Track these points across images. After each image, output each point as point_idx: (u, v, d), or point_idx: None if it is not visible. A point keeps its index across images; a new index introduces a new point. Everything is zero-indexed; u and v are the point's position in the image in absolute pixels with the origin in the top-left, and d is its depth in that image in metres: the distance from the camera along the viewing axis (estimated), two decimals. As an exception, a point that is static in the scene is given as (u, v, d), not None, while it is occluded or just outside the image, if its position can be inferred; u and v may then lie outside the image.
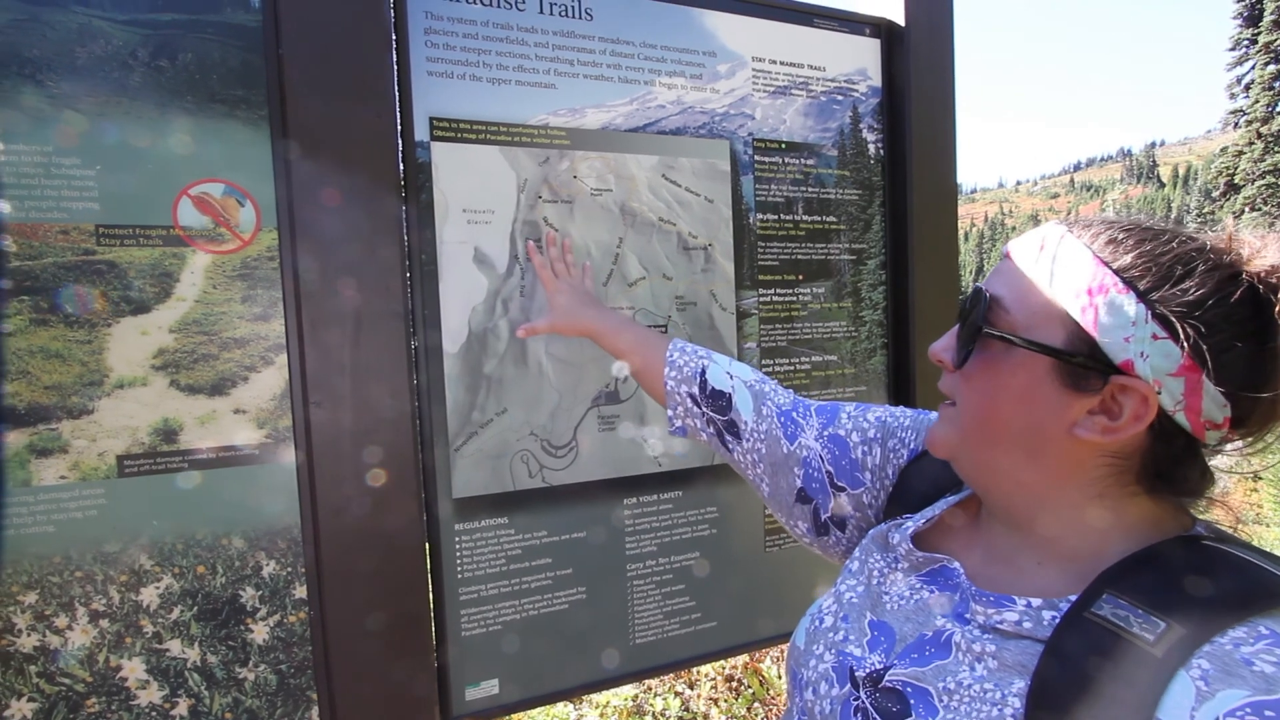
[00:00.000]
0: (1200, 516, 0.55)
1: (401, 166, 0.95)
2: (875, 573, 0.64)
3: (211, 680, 0.87)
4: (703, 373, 0.85)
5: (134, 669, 0.84)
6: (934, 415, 0.75)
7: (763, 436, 0.81)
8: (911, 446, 0.73)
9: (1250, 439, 0.50)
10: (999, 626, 0.50)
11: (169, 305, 0.84)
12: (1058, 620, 0.48)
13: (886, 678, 0.54)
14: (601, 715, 2.04)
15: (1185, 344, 0.46)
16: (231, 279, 0.87)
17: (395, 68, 0.94)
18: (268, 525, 0.89)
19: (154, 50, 0.83)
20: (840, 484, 0.76)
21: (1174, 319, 0.46)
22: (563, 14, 1.04)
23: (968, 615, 0.53)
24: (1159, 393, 0.47)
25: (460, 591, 1.01)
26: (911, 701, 0.52)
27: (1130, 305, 0.47)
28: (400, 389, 0.92)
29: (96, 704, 0.83)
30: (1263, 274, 0.47)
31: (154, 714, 0.85)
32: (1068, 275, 0.50)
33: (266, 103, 0.87)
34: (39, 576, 0.80)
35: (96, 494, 0.82)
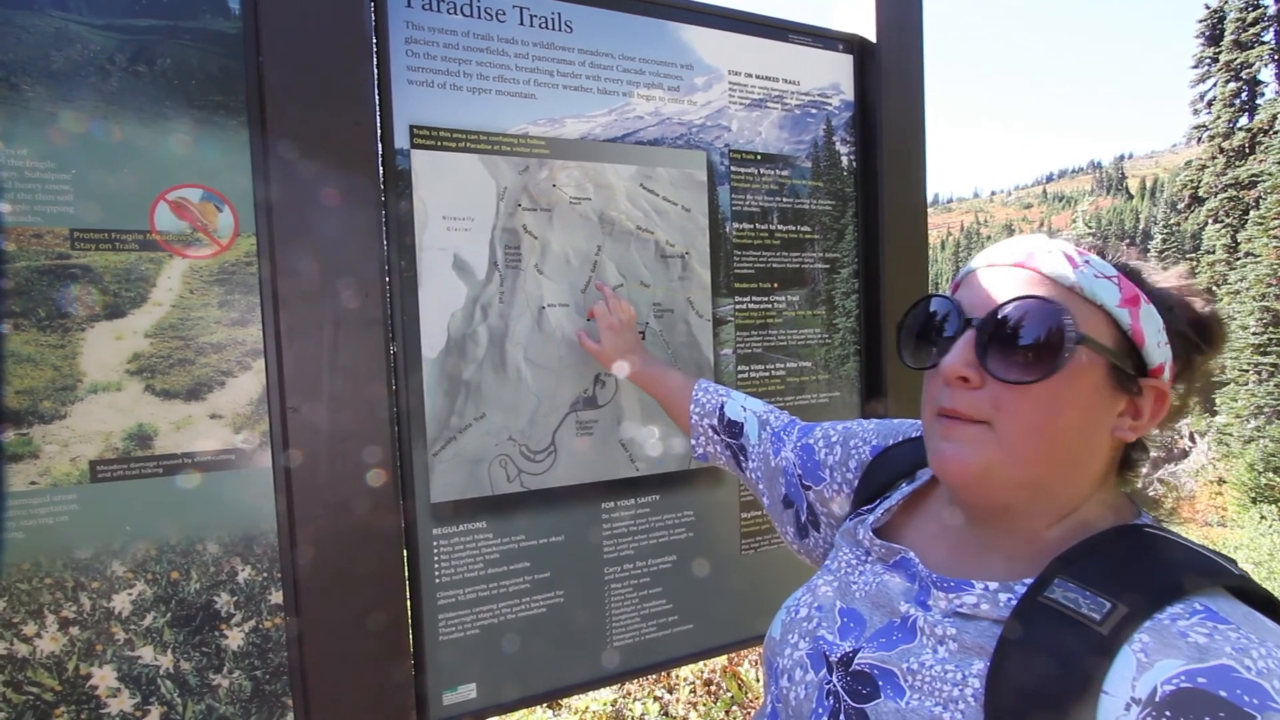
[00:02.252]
0: (1166, 521, 0.60)
1: (381, 173, 0.96)
2: (845, 565, 0.67)
3: (184, 687, 0.87)
4: (721, 407, 0.97)
5: (105, 677, 0.84)
6: (899, 423, 0.78)
7: (760, 455, 0.91)
8: (874, 444, 0.77)
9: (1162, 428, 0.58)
10: (959, 610, 0.54)
11: (145, 310, 0.84)
12: (1014, 603, 0.51)
13: (856, 661, 0.57)
14: (580, 720, 2.04)
15: (1174, 351, 0.54)
16: (209, 284, 0.87)
17: (376, 76, 0.95)
18: (244, 530, 0.89)
19: (132, 55, 0.83)
20: (808, 484, 0.82)
21: (1170, 330, 0.54)
22: (543, 26, 1.05)
23: (929, 602, 0.56)
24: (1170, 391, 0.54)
25: (438, 596, 1.02)
26: (880, 683, 0.54)
27: (1156, 315, 0.53)
28: (379, 394, 0.93)
29: (66, 713, 0.82)
30: (1174, 289, 0.55)
31: (125, 722, 0.84)
32: (1107, 286, 0.53)
33: (246, 109, 0.88)
34: (7, 583, 0.79)
35: (68, 499, 0.81)
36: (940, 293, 0.60)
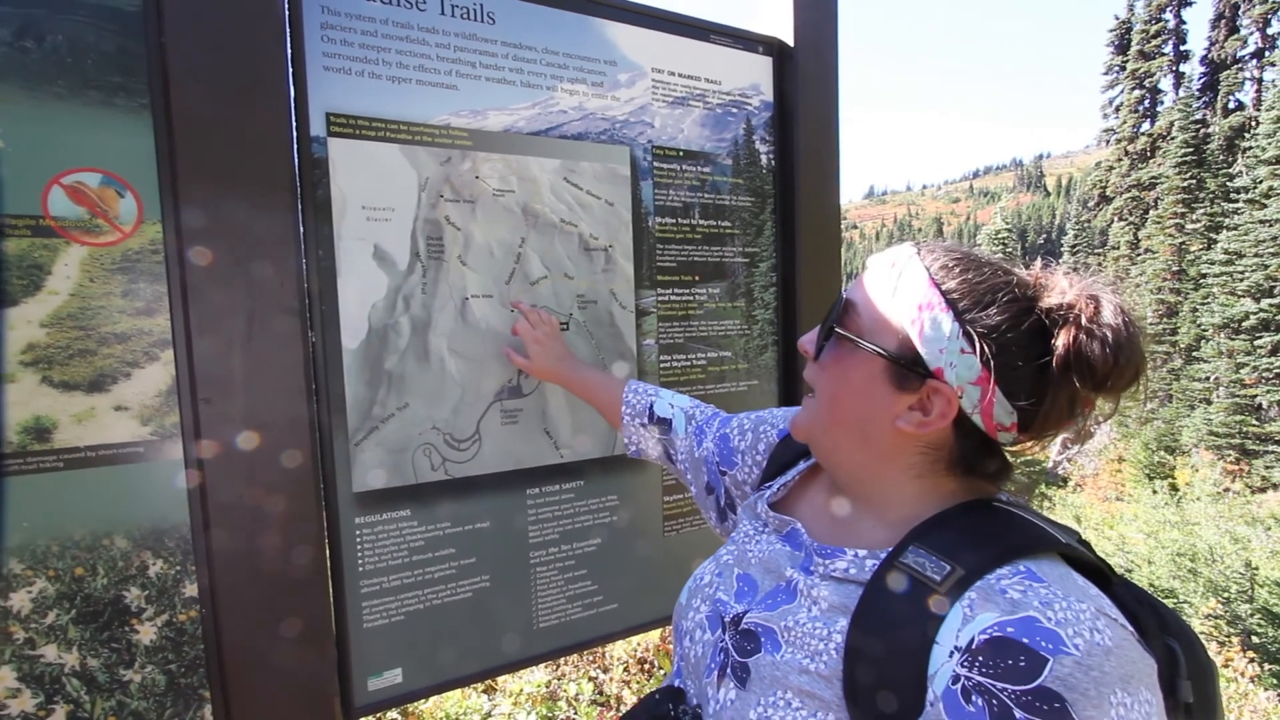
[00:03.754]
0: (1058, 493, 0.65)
1: (297, 161, 0.94)
2: (744, 536, 0.74)
3: (92, 684, 0.85)
4: (650, 407, 1.03)
5: (3, 678, 0.81)
6: None
7: (686, 448, 0.97)
8: (780, 428, 0.85)
9: (1035, 441, 0.60)
10: (832, 574, 0.60)
11: (39, 299, 0.81)
12: (876, 567, 0.58)
13: (744, 621, 0.64)
14: (515, 703, 2.08)
15: (982, 360, 0.55)
16: (111, 272, 0.85)
17: (290, 61, 0.93)
18: (154, 524, 0.88)
19: (17, 30, 0.79)
20: (724, 469, 0.89)
21: (977, 338, 0.56)
22: (464, 16, 1.06)
23: (811, 567, 0.62)
24: (961, 397, 0.57)
25: (362, 584, 1.03)
26: (762, 639, 0.61)
27: (947, 323, 0.57)
28: (295, 384, 0.93)
29: (-41, 716, 0.79)
30: (1050, 309, 0.56)
31: (26, 723, 0.82)
32: (907, 291, 0.59)
33: (149, 91, 0.85)
34: (-111, 585, 0.75)
35: (-43, 496, 0.78)
36: None
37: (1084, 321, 0.55)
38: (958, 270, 0.58)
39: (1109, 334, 0.54)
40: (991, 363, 0.55)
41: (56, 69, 0.81)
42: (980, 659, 0.48)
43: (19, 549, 0.81)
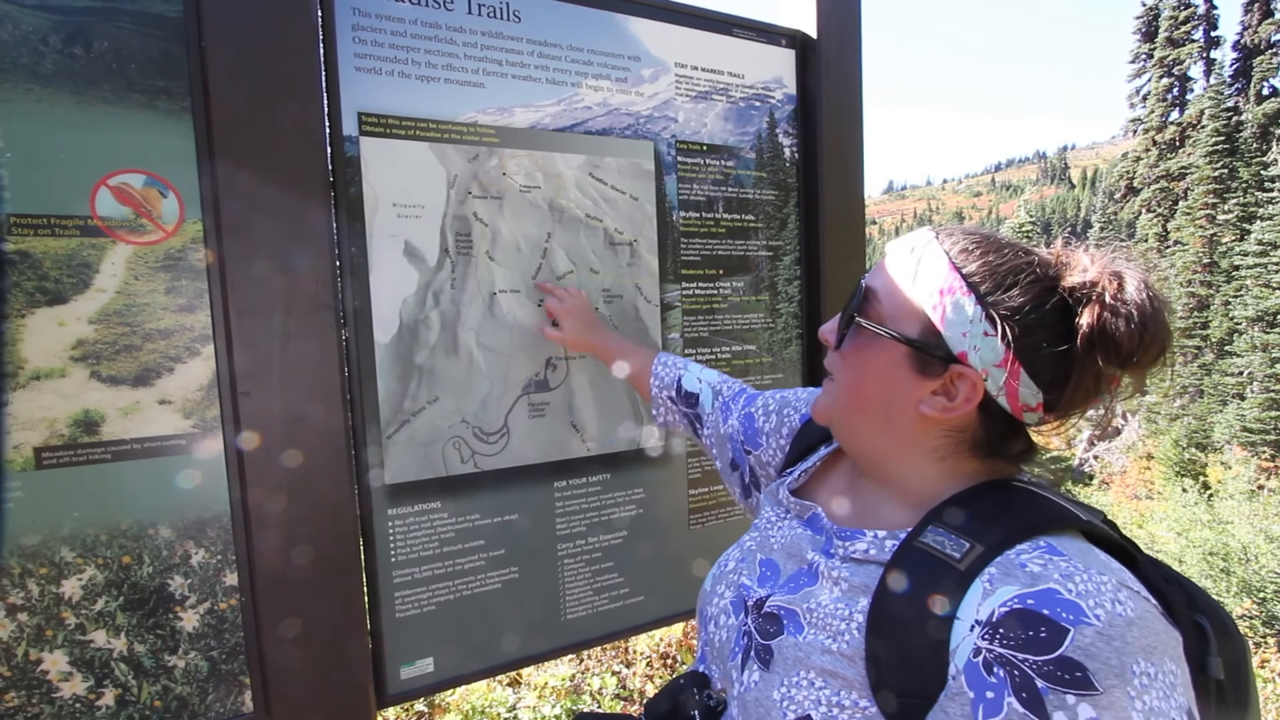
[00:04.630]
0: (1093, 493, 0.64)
1: (330, 160, 0.96)
2: (767, 522, 0.75)
3: (139, 669, 0.88)
4: (679, 380, 1.04)
5: (55, 661, 0.84)
6: None
7: (712, 423, 0.98)
8: (802, 412, 0.85)
9: (1061, 421, 0.60)
10: (852, 556, 0.61)
11: (88, 296, 0.84)
12: (896, 548, 0.58)
13: (767, 604, 0.64)
14: (540, 696, 2.10)
15: (1005, 342, 0.55)
16: (154, 270, 0.87)
17: (323, 62, 0.95)
18: (196, 514, 0.90)
19: (67, 37, 0.82)
20: (749, 449, 0.90)
21: (1000, 320, 0.55)
22: (491, 15, 1.07)
23: (831, 550, 0.63)
24: (986, 380, 0.57)
25: (394, 574, 1.05)
26: (784, 622, 0.61)
27: (970, 306, 0.56)
28: (331, 379, 0.95)
29: (16, 698, 0.82)
30: (1072, 288, 0.56)
31: (78, 705, 0.85)
32: (927, 276, 0.59)
33: (189, 94, 0.87)
34: (-49, 571, 0.79)
35: (13, 487, 0.81)
36: None
37: (1108, 299, 0.54)
38: (978, 253, 0.58)
39: (1134, 310, 0.53)
40: (1015, 344, 0.55)
41: (103, 74, 0.84)
42: (1001, 631, 0.48)
43: (70, 538, 0.84)
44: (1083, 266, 0.57)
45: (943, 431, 0.61)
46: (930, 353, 0.58)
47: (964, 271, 0.57)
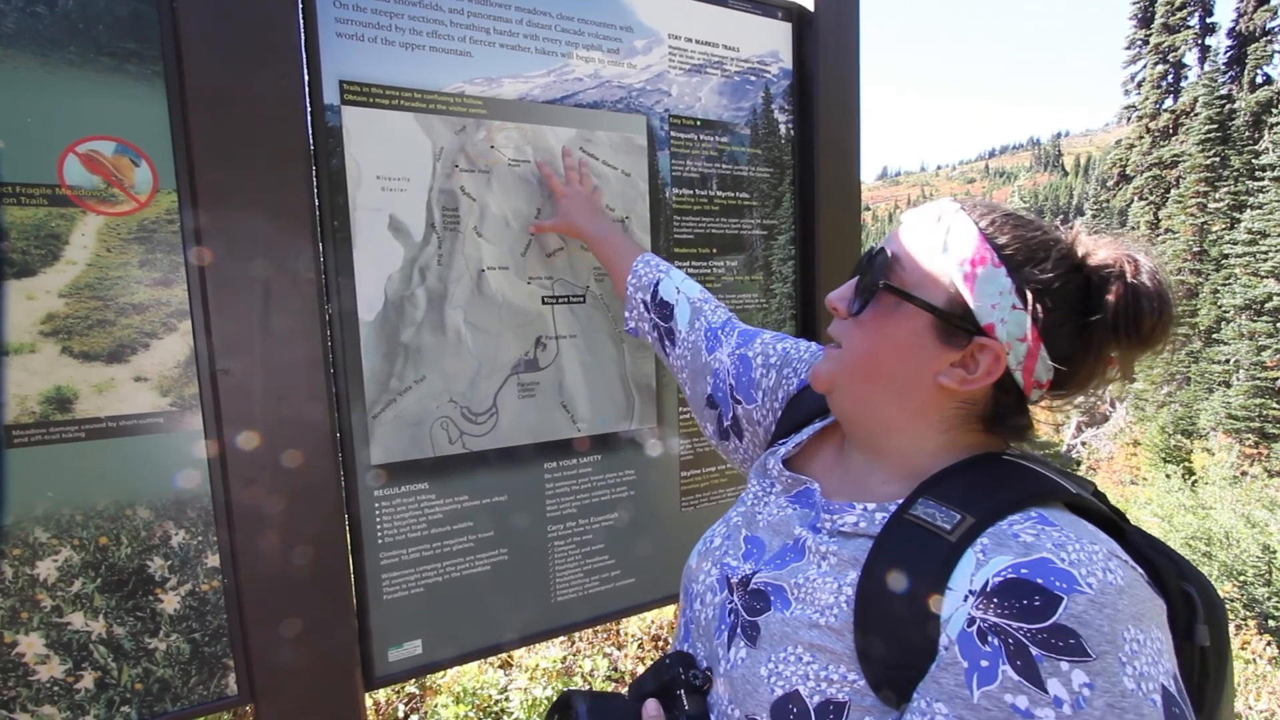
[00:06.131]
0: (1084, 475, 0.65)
1: (311, 129, 0.93)
2: (753, 497, 0.73)
3: (119, 651, 0.86)
4: (656, 284, 0.98)
5: (32, 644, 0.82)
6: None
7: (690, 346, 0.93)
8: (801, 377, 0.82)
9: (1061, 399, 0.62)
10: (841, 530, 0.60)
11: (57, 269, 0.81)
12: (886, 520, 0.57)
13: (754, 581, 0.63)
14: (531, 678, 2.10)
15: (1033, 317, 0.55)
16: (128, 242, 0.84)
17: (302, 27, 0.92)
18: (175, 494, 0.88)
19: (29, -6, 0.78)
20: (738, 398, 0.86)
21: (1030, 294, 0.55)
22: (478, -19, 1.03)
23: (818, 524, 0.62)
24: (1008, 353, 0.56)
25: (381, 556, 1.03)
26: (771, 598, 0.61)
27: (1001, 278, 0.56)
28: (314, 356, 0.92)
29: (-9, 680, 0.80)
30: (1098, 266, 0.57)
31: (56, 688, 0.84)
32: (957, 245, 0.58)
33: (161, 58, 0.84)
34: (-81, 552, 0.76)
35: (-18, 465, 0.78)
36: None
37: (1129, 279, 0.56)
38: (1008, 227, 0.58)
39: (1153, 290, 0.55)
40: (1041, 319, 0.55)
41: (69, 34, 0.80)
42: (995, 600, 0.48)
43: (44, 518, 0.82)
44: (1102, 247, 0.58)
45: (955, 403, 0.60)
46: (956, 323, 0.57)
47: (996, 243, 0.57)
